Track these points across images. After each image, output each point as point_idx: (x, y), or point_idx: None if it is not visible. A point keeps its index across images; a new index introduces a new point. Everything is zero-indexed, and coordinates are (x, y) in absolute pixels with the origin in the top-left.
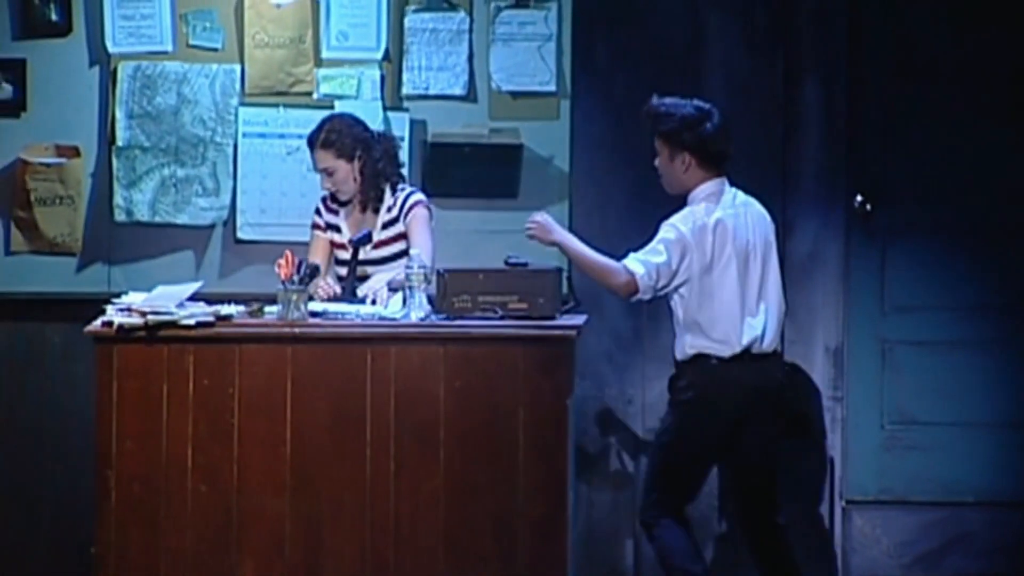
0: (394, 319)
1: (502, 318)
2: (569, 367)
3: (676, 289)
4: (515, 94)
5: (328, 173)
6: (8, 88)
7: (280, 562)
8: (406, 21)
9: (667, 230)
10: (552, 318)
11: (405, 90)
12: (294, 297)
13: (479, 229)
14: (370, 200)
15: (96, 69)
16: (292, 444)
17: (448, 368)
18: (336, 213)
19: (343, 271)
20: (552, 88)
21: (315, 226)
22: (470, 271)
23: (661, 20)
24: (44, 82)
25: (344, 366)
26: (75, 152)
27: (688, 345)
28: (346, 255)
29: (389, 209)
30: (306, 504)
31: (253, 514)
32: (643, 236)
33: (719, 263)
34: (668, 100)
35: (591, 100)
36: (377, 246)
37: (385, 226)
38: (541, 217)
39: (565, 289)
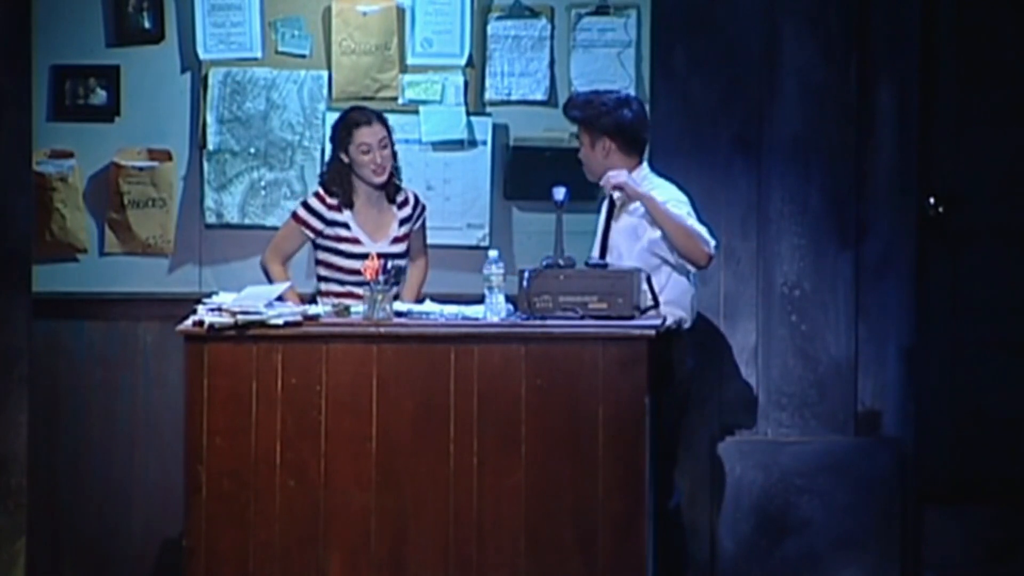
0: (476, 319)
1: (582, 318)
2: (647, 366)
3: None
4: None
5: (383, 146)
6: (103, 94)
7: (366, 555)
8: (489, 28)
9: (685, 205)
10: (631, 318)
11: (488, 95)
12: (380, 297)
13: None
14: (391, 189)
15: (187, 75)
16: (377, 441)
17: (529, 366)
18: (340, 211)
19: (351, 264)
20: (631, 93)
21: (307, 222)
22: (551, 272)
23: (737, 27)
24: (137, 88)
25: (428, 364)
26: (167, 156)
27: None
28: (360, 249)
29: (401, 205)
30: (391, 499)
31: (340, 509)
32: (717, 236)
33: None
34: (588, 90)
35: (669, 104)
36: (397, 240)
37: (403, 223)
38: (618, 172)
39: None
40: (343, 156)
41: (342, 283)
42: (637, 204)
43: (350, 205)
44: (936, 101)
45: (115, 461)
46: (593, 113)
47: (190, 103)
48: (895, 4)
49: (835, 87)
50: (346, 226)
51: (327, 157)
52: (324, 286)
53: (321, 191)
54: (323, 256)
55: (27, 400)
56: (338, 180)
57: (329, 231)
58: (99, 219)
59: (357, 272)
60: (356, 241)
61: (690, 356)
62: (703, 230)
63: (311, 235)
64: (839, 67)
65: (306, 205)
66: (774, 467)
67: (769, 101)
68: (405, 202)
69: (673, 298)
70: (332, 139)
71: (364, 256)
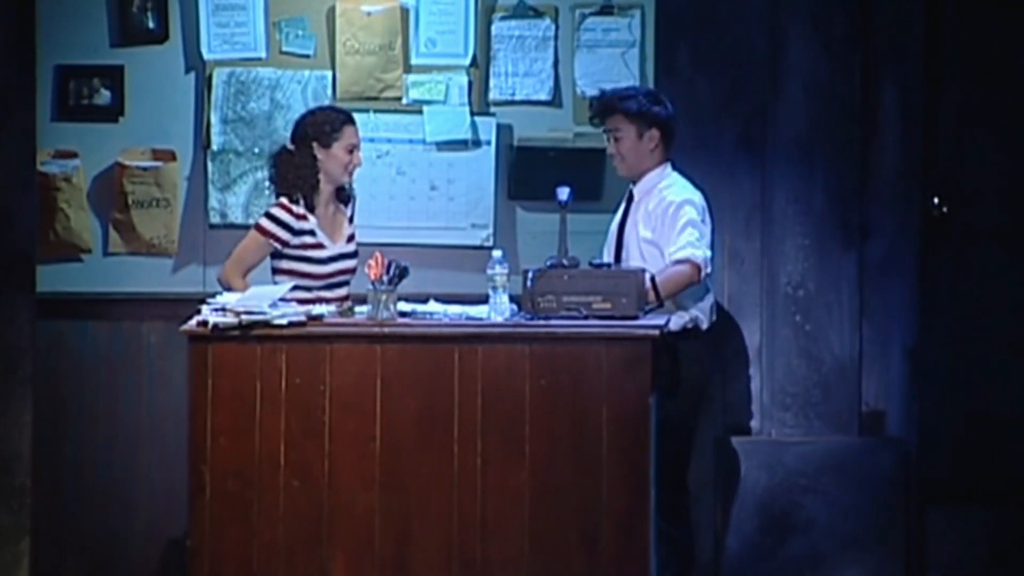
0: (480, 319)
1: (586, 318)
2: (651, 366)
3: None
4: None
5: (360, 147)
6: (107, 94)
7: (370, 555)
8: (493, 28)
9: (692, 212)
10: (635, 318)
11: (492, 95)
12: (383, 297)
13: None
14: (343, 190)
15: (191, 75)
16: (381, 441)
17: (533, 367)
18: (305, 219)
19: (319, 269)
20: None
21: (275, 234)
22: (555, 272)
23: (741, 26)
24: (141, 88)
25: (432, 364)
26: (171, 156)
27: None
28: (326, 253)
29: (346, 203)
30: (395, 499)
31: (344, 509)
32: (720, 236)
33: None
34: (615, 86)
35: (673, 104)
36: (350, 239)
37: (351, 220)
38: None
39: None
40: (319, 153)
41: (309, 289)
42: (653, 205)
43: (313, 209)
44: (940, 101)
45: (119, 461)
46: (643, 104)
47: (194, 103)
48: (899, 4)
49: (839, 87)
50: (312, 233)
51: (284, 160)
52: (288, 293)
53: (285, 201)
54: (288, 265)
55: (31, 400)
56: (309, 180)
57: (296, 240)
58: (103, 219)
59: (324, 277)
60: (321, 246)
61: (706, 356)
62: (682, 253)
63: (278, 246)
64: (843, 67)
65: (271, 217)
66: (778, 467)
67: (773, 101)
68: (348, 199)
69: (687, 298)
70: (310, 136)
71: (329, 260)
